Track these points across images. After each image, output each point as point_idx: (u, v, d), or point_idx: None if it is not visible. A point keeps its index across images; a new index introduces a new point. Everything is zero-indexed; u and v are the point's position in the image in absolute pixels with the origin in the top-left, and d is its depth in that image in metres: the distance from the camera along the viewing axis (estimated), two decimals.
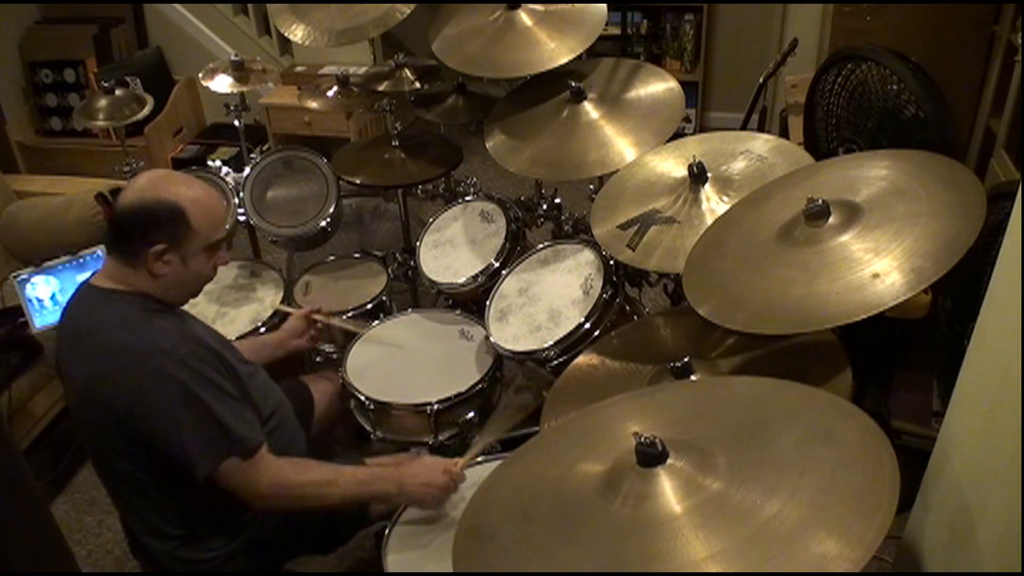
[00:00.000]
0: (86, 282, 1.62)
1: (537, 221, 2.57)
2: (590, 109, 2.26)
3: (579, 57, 2.29)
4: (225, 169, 2.65)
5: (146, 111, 2.78)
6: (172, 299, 1.63)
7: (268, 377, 1.85)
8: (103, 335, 1.53)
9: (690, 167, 1.87)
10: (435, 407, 1.92)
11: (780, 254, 1.51)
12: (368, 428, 2.02)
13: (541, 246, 2.20)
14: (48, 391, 2.57)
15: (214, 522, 1.66)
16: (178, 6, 4.32)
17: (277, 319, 2.32)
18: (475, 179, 2.76)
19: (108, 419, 1.51)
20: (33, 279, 2.40)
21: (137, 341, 1.51)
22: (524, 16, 2.36)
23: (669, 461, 1.09)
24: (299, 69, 4.20)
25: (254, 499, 1.58)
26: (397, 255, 2.74)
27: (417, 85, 2.67)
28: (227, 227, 1.64)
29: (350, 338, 2.21)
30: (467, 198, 2.48)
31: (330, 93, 2.76)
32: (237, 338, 2.12)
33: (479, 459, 1.77)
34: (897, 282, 1.32)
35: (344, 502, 1.66)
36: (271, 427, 1.74)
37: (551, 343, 1.92)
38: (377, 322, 2.27)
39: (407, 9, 2.42)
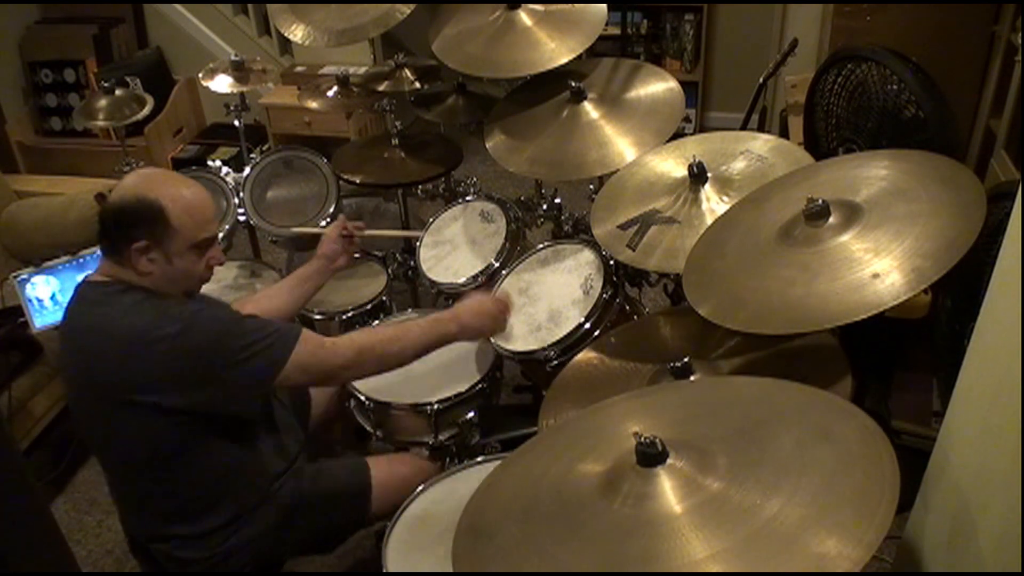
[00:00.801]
0: (84, 280, 1.61)
1: (537, 221, 2.57)
2: (590, 109, 2.26)
3: (579, 57, 2.29)
4: (225, 169, 2.66)
5: (146, 111, 2.79)
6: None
7: None
8: (110, 326, 1.51)
9: (690, 167, 1.87)
10: (435, 407, 1.92)
11: (780, 254, 1.51)
12: (368, 428, 2.02)
13: (541, 246, 2.20)
14: (48, 391, 2.57)
15: (211, 521, 1.65)
16: (178, 6, 4.32)
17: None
18: (475, 179, 2.76)
19: (121, 413, 1.50)
20: (33, 279, 2.40)
21: (145, 322, 1.50)
22: (524, 16, 2.36)
23: (669, 461, 1.09)
24: (299, 69, 4.20)
25: (340, 370, 1.65)
26: (397, 255, 2.74)
27: (417, 85, 2.67)
28: (215, 226, 1.63)
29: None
30: (467, 198, 2.48)
31: (330, 93, 2.76)
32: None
33: (479, 459, 1.77)
34: (897, 282, 1.32)
35: (416, 353, 1.74)
36: (265, 413, 1.74)
37: (551, 343, 1.92)
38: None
39: (407, 9, 2.42)
